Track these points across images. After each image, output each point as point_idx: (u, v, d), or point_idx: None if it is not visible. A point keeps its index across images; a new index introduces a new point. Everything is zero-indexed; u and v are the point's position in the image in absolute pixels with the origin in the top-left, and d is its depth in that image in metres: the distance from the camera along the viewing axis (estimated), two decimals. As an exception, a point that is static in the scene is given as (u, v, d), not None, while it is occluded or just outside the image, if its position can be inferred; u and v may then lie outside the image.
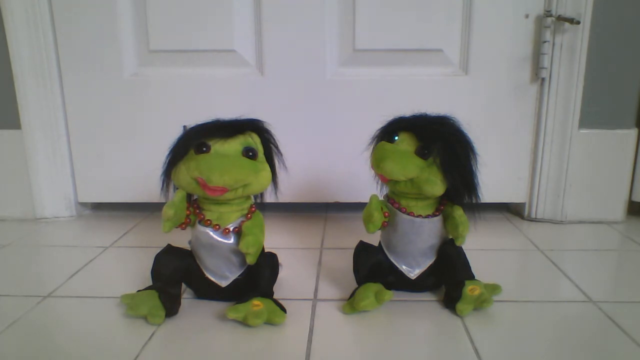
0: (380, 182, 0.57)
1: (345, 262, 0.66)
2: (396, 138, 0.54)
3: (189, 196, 0.53)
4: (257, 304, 0.50)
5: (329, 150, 0.86)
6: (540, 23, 0.80)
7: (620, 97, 0.83)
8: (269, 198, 0.57)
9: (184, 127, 0.53)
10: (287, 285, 0.60)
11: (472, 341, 0.48)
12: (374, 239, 0.59)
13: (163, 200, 0.51)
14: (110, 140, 0.87)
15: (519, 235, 0.81)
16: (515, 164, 0.86)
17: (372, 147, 0.57)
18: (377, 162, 0.54)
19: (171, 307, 0.52)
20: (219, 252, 0.53)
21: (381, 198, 0.58)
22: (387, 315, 0.53)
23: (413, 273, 0.57)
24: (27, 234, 0.81)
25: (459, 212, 0.54)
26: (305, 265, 0.67)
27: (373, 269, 0.56)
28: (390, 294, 0.53)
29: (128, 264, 0.68)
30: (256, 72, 0.84)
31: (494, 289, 0.57)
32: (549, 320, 0.52)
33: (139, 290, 0.54)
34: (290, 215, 0.91)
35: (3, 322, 0.52)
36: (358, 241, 0.59)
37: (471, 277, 0.56)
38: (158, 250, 0.54)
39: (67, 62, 0.84)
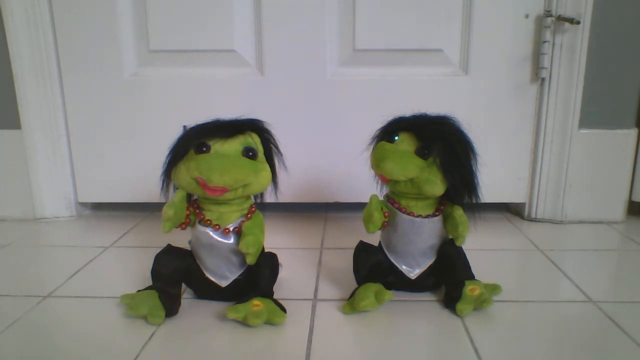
0: (380, 182, 0.57)
1: (345, 262, 0.66)
2: (396, 138, 0.54)
3: (189, 196, 0.53)
4: (257, 304, 0.50)
5: (329, 150, 0.86)
6: (540, 23, 0.80)
7: (620, 97, 0.83)
8: (269, 198, 0.57)
9: (184, 127, 0.53)
10: (287, 285, 0.60)
11: (472, 341, 0.48)
12: (374, 239, 0.59)
13: (163, 200, 0.51)
14: (110, 140, 0.87)
15: (519, 235, 0.81)
16: (515, 164, 0.86)
17: (372, 147, 0.57)
18: (377, 162, 0.54)
19: (171, 307, 0.52)
20: (219, 252, 0.53)
21: (381, 198, 0.58)
22: (387, 315, 0.53)
23: (413, 273, 0.57)
24: (27, 234, 0.81)
25: (459, 212, 0.54)
26: (305, 265, 0.67)
27: (373, 269, 0.56)
28: (390, 294, 0.53)
29: (128, 264, 0.68)
30: (256, 72, 0.84)
31: (494, 289, 0.57)
32: (549, 320, 0.52)
33: (139, 290, 0.54)
34: (290, 215, 0.91)
35: (3, 322, 0.52)
36: (358, 241, 0.59)
37: (471, 277, 0.56)
38: (158, 250, 0.54)
39: (67, 62, 0.84)
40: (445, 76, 0.83)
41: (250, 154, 0.51)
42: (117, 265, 0.68)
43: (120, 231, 0.82)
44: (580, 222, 0.87)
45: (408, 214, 0.55)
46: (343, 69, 0.84)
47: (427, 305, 0.56)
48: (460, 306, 0.52)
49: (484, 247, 0.74)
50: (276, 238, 0.78)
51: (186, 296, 0.57)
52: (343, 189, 0.88)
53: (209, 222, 0.52)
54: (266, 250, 0.56)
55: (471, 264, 0.56)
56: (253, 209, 0.55)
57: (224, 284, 0.54)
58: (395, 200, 0.56)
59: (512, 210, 0.94)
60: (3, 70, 0.83)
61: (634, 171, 0.86)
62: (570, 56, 0.80)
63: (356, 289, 0.56)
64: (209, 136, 0.50)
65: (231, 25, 0.81)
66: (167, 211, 0.48)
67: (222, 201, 0.52)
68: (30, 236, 0.80)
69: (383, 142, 0.55)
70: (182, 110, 0.84)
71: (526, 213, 0.89)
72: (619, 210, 0.86)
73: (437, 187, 0.51)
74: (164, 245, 0.55)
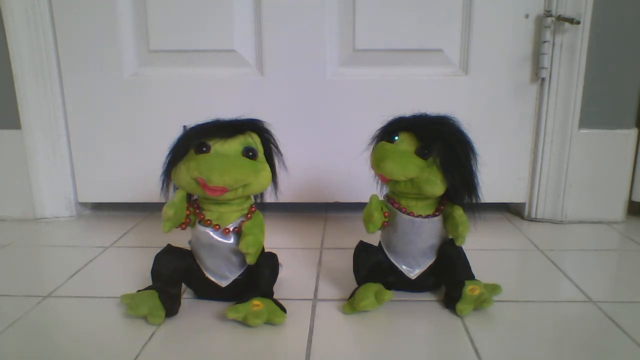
0: (380, 182, 0.57)
1: (345, 262, 0.66)
2: (396, 138, 0.54)
3: (189, 196, 0.53)
4: (257, 304, 0.50)
5: (329, 150, 0.86)
6: (540, 23, 0.80)
7: (620, 97, 0.83)
8: (269, 198, 0.57)
9: (184, 127, 0.53)
10: (287, 285, 0.60)
11: (472, 341, 0.48)
12: (374, 239, 0.59)
13: (163, 200, 0.51)
14: (110, 140, 0.87)
15: (519, 235, 0.81)
16: (515, 164, 0.86)
17: (372, 147, 0.57)
18: (377, 162, 0.54)
19: (171, 307, 0.52)
20: (219, 252, 0.53)
21: (381, 198, 0.58)
22: (387, 315, 0.53)
23: (413, 273, 0.57)
24: (27, 234, 0.81)
25: (459, 212, 0.54)
26: (305, 265, 0.67)
27: (373, 269, 0.56)
28: (390, 294, 0.53)
29: (128, 264, 0.68)
30: (256, 72, 0.84)
31: (494, 289, 0.57)
32: (549, 320, 0.52)
33: (139, 290, 0.54)
34: (290, 215, 0.91)
35: (3, 322, 0.52)
36: (358, 241, 0.59)
37: (471, 277, 0.56)
38: (158, 250, 0.54)
39: (67, 62, 0.84)
40: (445, 76, 0.83)
41: (250, 154, 0.51)
42: (117, 265, 0.68)
43: (120, 231, 0.82)
44: (580, 222, 0.87)
45: (408, 214, 0.55)
46: (343, 69, 0.84)
47: (427, 305, 0.56)
48: (460, 306, 0.52)
49: (484, 247, 0.74)
50: (276, 238, 0.78)
51: (186, 296, 0.57)
52: (343, 189, 0.88)
53: (209, 222, 0.52)
54: (266, 250, 0.56)
55: (471, 264, 0.56)
56: (253, 209, 0.55)
57: (224, 284, 0.54)
58: (395, 200, 0.56)
59: (512, 210, 0.94)
60: (3, 70, 0.83)
61: (634, 171, 0.86)
62: (570, 56, 0.80)
63: (356, 289, 0.56)
64: (209, 136, 0.50)
65: (231, 25, 0.81)
66: (167, 211, 0.48)
67: (222, 201, 0.52)
68: (30, 236, 0.80)
69: (383, 142, 0.55)
70: (182, 110, 0.84)
71: (526, 213, 0.89)
72: (619, 210, 0.86)
73: (437, 187, 0.51)
74: (164, 245, 0.55)
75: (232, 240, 0.53)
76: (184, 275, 0.54)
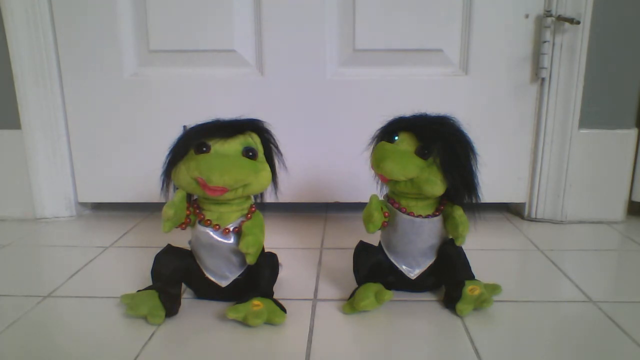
0: (380, 182, 0.57)
1: (345, 262, 0.66)
2: (396, 138, 0.54)
3: (189, 196, 0.53)
4: (257, 304, 0.50)
5: (329, 150, 0.86)
6: (540, 23, 0.80)
7: (620, 97, 0.83)
8: (269, 198, 0.57)
9: (184, 127, 0.53)
10: (287, 285, 0.60)
11: (472, 341, 0.48)
12: (374, 239, 0.59)
13: (163, 200, 0.51)
14: (110, 140, 0.87)
15: (519, 235, 0.81)
16: (515, 164, 0.86)
17: (372, 147, 0.57)
18: (377, 162, 0.54)
19: (171, 307, 0.52)
20: (219, 252, 0.53)
21: (381, 198, 0.58)
22: (387, 315, 0.53)
23: (413, 273, 0.57)
24: (27, 234, 0.81)
25: (459, 212, 0.54)
26: (305, 265, 0.67)
27: (373, 269, 0.56)
28: (390, 294, 0.53)
29: (128, 264, 0.68)
30: (256, 72, 0.84)
31: (494, 289, 0.57)
32: (549, 320, 0.52)
33: (139, 290, 0.54)
34: (290, 215, 0.91)
35: (3, 322, 0.52)
36: (358, 241, 0.59)
37: (471, 277, 0.56)
38: (158, 250, 0.54)
39: (67, 62, 0.84)
40: (445, 76, 0.83)
41: (250, 154, 0.51)
42: (117, 265, 0.68)
43: (120, 231, 0.82)
44: (580, 222, 0.87)
45: (408, 214, 0.55)
46: (343, 69, 0.84)
47: (427, 305, 0.56)
48: (460, 306, 0.52)
49: (484, 247, 0.74)
50: (276, 238, 0.78)
51: (186, 296, 0.57)
52: (343, 189, 0.88)
53: (209, 222, 0.52)
54: (266, 250, 0.56)
55: (471, 264, 0.56)
56: (253, 209, 0.55)
57: (224, 284, 0.54)
58: (395, 200, 0.56)
59: (512, 210, 0.94)
60: (3, 70, 0.83)
61: (634, 171, 0.86)
62: (570, 56, 0.80)
63: (356, 289, 0.56)
64: (209, 136, 0.50)
65: (231, 25, 0.81)
66: (167, 211, 0.48)
67: (222, 201, 0.52)
68: (30, 236, 0.80)
69: (383, 142, 0.55)
70: (182, 110, 0.84)
71: (526, 213, 0.89)
72: (619, 210, 0.86)
73: (437, 187, 0.51)
74: (164, 245, 0.55)
75: (232, 240, 0.53)
76: (184, 275, 0.54)
